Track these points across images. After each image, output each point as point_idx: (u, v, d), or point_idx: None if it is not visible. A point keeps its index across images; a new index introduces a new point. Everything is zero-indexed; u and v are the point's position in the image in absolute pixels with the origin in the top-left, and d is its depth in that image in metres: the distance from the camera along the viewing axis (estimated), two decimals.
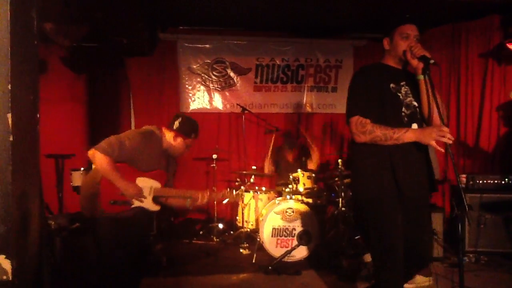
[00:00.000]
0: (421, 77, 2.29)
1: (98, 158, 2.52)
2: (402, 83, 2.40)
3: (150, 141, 2.73)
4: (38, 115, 1.45)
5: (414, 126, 2.35)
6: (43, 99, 5.22)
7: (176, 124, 2.81)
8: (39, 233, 1.47)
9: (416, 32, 2.38)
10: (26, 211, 1.39)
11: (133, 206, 2.67)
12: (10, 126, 1.28)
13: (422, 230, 2.47)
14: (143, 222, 2.78)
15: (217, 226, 5.18)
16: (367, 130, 2.29)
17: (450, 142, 2.14)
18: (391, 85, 2.37)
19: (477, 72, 5.21)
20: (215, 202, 2.61)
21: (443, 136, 2.14)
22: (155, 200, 2.75)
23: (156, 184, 2.73)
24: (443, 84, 5.31)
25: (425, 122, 2.39)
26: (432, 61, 2.20)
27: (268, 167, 5.45)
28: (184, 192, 2.82)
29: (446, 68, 5.45)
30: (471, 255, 4.17)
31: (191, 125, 2.88)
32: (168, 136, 2.83)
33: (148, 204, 2.71)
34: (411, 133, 2.24)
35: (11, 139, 1.28)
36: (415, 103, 2.40)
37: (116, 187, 2.59)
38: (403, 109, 2.37)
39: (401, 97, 2.37)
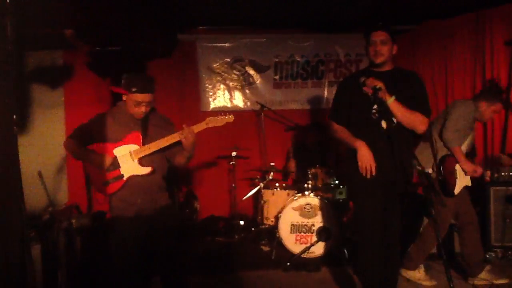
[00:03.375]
0: (390, 100, 2.67)
1: (65, 143, 2.71)
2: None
3: (113, 112, 2.74)
4: (14, 116, 1.47)
5: (383, 123, 2.72)
6: (71, 103, 5.49)
7: (121, 83, 2.65)
8: (20, 236, 1.47)
9: (382, 37, 2.80)
10: (4, 215, 1.40)
11: (125, 178, 2.65)
12: None
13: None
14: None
15: (239, 223, 5.24)
16: (333, 130, 2.98)
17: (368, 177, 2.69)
18: (364, 87, 2.75)
19: (503, 60, 4.98)
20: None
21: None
22: (143, 162, 2.67)
23: (133, 147, 2.67)
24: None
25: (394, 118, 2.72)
26: (378, 87, 2.61)
27: (292, 164, 5.43)
28: (162, 141, 2.65)
29: (471, 57, 5.28)
30: (497, 250, 4.03)
31: (130, 78, 2.63)
32: None
33: (136, 169, 2.66)
34: (356, 146, 2.74)
35: None
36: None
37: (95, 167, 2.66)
38: (375, 106, 2.75)
39: (372, 97, 2.69)
